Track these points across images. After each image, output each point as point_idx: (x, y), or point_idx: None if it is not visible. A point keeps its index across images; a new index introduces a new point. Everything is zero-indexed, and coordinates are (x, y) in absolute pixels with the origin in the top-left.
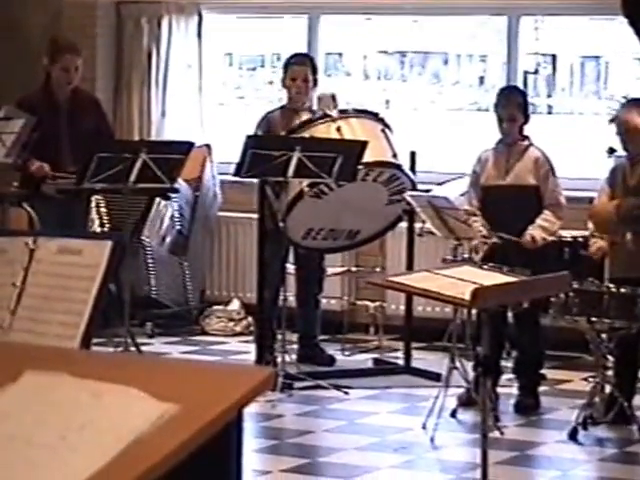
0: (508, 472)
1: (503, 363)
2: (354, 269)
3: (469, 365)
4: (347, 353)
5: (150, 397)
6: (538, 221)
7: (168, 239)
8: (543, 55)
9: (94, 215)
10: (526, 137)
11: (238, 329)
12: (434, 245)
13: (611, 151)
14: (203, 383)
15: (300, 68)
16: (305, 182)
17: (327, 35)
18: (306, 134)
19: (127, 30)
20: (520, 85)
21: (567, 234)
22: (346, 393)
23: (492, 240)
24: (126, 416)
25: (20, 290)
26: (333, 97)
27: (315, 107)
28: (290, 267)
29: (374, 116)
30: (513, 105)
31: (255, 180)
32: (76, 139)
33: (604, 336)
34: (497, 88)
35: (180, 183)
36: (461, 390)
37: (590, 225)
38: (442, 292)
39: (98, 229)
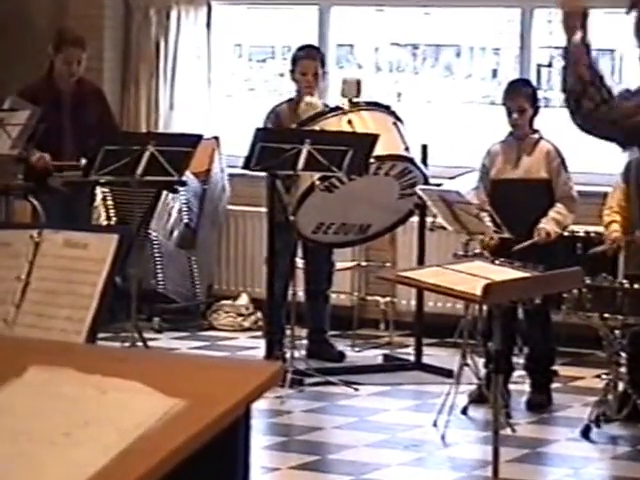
0: (519, 470)
1: (515, 360)
2: (364, 264)
3: (480, 362)
4: (357, 349)
5: (156, 392)
6: (551, 214)
7: (176, 233)
8: (557, 48)
9: (101, 209)
10: (536, 130)
11: (246, 324)
12: (445, 240)
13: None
14: (210, 378)
15: (310, 62)
16: (316, 176)
17: (338, 27)
18: (317, 127)
19: (135, 21)
20: (534, 78)
21: (580, 229)
22: (356, 389)
23: (502, 235)
24: (132, 412)
25: (25, 284)
26: (358, 83)
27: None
28: (299, 261)
29: (386, 109)
30: (522, 96)
31: (264, 173)
32: (79, 130)
33: (617, 332)
34: None
35: (188, 176)
36: (472, 387)
37: (605, 218)
38: (453, 287)
39: (105, 222)
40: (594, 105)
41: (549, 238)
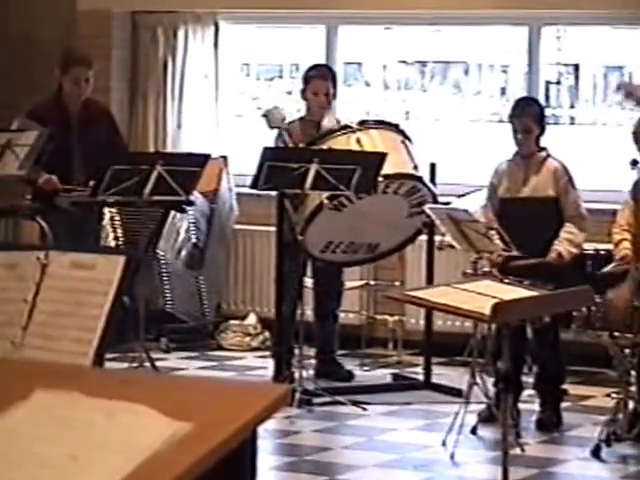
0: None
1: (524, 379)
2: (373, 283)
3: (490, 381)
4: (366, 368)
5: (162, 415)
6: (562, 235)
7: (183, 252)
8: (565, 65)
9: (109, 228)
10: (543, 148)
11: (254, 344)
12: (454, 258)
13: (634, 163)
14: (217, 401)
15: (322, 82)
16: (324, 195)
17: (346, 45)
18: (325, 146)
19: (143, 40)
20: (542, 96)
21: (589, 247)
22: (365, 409)
23: (510, 253)
24: (138, 435)
25: (32, 306)
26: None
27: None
28: (308, 281)
29: (394, 127)
30: (528, 116)
31: (272, 192)
32: (88, 151)
33: (627, 351)
34: None
35: (196, 195)
36: (482, 406)
37: (614, 237)
38: (462, 307)
39: (112, 242)
40: None
41: (561, 259)
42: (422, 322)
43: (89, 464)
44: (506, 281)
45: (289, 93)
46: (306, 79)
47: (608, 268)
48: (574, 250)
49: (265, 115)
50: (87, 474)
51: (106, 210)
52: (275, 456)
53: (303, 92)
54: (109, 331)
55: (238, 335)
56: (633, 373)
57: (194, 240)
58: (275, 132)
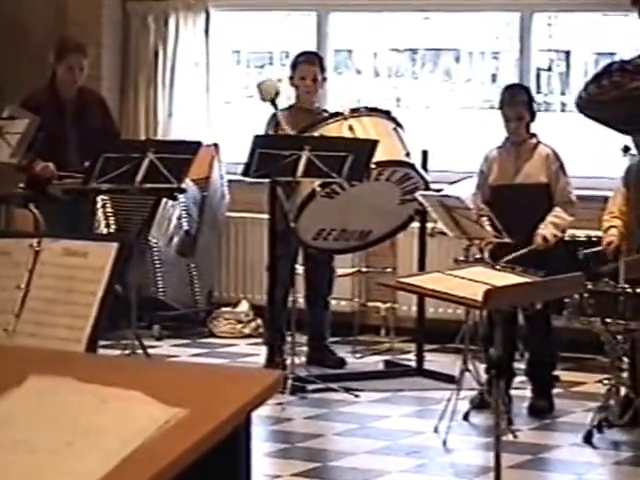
0: (522, 476)
1: (516, 365)
2: (365, 270)
3: (482, 367)
4: (358, 355)
5: (157, 401)
6: (549, 218)
7: (175, 240)
8: (556, 52)
9: (100, 216)
10: (534, 134)
11: (246, 331)
12: (446, 245)
13: (626, 149)
14: (210, 387)
15: (309, 67)
16: (317, 182)
17: (337, 32)
18: (317, 133)
19: (133, 28)
20: (533, 83)
21: (581, 234)
22: (357, 396)
23: (501, 240)
24: (132, 421)
25: (25, 293)
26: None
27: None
28: (299, 268)
29: (386, 114)
30: (519, 103)
31: (264, 180)
32: (82, 138)
33: (619, 337)
34: None
35: (187, 183)
36: (474, 392)
37: (604, 224)
38: (454, 293)
39: (104, 230)
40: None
41: (547, 243)
42: (414, 309)
43: (84, 449)
44: (498, 267)
45: (279, 81)
46: (294, 65)
47: (591, 250)
48: (559, 234)
49: (258, 87)
50: (82, 459)
51: (98, 198)
52: (267, 443)
53: (291, 79)
54: (102, 318)
55: (230, 322)
56: (625, 359)
57: (186, 227)
58: (267, 104)
